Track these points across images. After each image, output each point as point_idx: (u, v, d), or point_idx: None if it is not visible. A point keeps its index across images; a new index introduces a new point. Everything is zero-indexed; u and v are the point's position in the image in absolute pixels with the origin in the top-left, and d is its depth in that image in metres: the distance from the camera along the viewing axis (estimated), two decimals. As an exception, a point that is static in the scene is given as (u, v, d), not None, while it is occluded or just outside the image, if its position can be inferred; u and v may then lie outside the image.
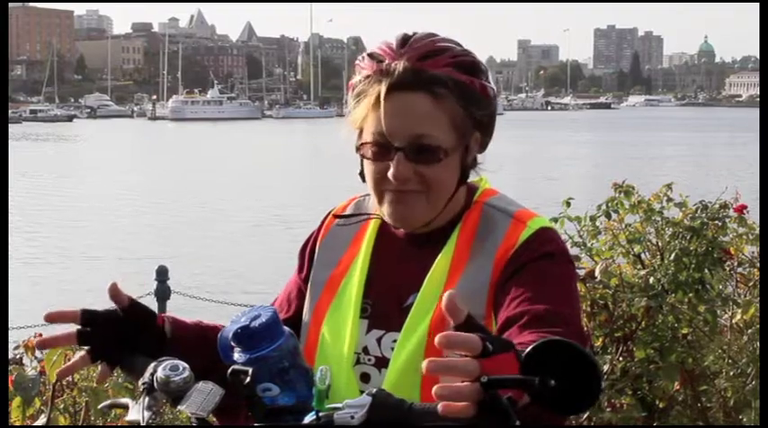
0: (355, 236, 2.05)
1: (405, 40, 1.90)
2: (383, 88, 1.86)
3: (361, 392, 1.58)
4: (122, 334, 1.83)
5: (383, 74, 1.87)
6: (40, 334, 4.01)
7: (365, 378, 1.91)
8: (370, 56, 1.92)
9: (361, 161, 1.96)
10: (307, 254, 2.10)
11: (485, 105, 1.92)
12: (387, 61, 1.88)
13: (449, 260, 1.91)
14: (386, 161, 1.88)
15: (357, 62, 1.96)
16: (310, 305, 2.03)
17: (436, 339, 1.34)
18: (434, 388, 1.32)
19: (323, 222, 2.12)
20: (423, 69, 1.86)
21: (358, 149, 1.93)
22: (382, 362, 1.89)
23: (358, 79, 1.92)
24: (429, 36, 1.91)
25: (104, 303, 1.84)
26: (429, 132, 1.86)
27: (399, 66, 1.86)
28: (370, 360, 1.92)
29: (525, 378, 1.37)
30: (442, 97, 1.86)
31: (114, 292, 1.84)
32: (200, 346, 1.90)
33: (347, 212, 2.09)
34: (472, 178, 1.99)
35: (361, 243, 2.03)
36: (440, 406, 1.35)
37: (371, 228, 2.04)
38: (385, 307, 1.94)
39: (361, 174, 1.98)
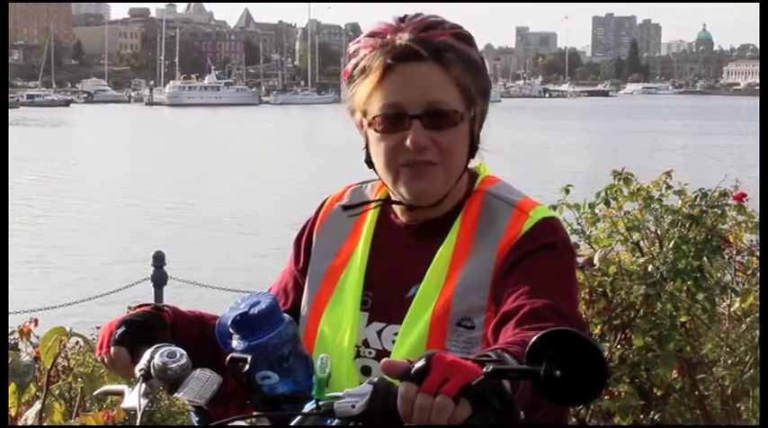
0: (354, 226, 2.02)
1: (401, 19, 1.93)
2: (390, 59, 1.86)
3: None
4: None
5: (389, 46, 1.88)
6: (35, 320, 3.99)
7: (366, 371, 1.89)
8: (370, 35, 1.92)
9: (366, 147, 1.95)
10: (303, 244, 2.08)
11: (484, 74, 1.95)
12: (389, 36, 1.89)
13: (451, 251, 1.89)
14: (400, 132, 1.87)
15: (352, 45, 1.95)
16: (309, 297, 2.00)
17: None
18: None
19: (319, 210, 2.09)
20: (428, 39, 1.88)
21: (370, 124, 1.90)
22: (383, 355, 1.85)
23: (360, 57, 1.91)
24: (421, 14, 1.94)
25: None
26: (442, 98, 1.87)
27: (404, 37, 1.88)
28: (370, 353, 1.90)
29: (530, 369, 1.36)
30: (450, 64, 1.88)
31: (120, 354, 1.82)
32: (198, 336, 1.89)
33: (345, 200, 2.06)
34: (473, 163, 1.98)
35: (360, 233, 2.00)
36: None
37: (370, 218, 2.01)
38: (386, 299, 1.92)
39: (368, 162, 1.96)
